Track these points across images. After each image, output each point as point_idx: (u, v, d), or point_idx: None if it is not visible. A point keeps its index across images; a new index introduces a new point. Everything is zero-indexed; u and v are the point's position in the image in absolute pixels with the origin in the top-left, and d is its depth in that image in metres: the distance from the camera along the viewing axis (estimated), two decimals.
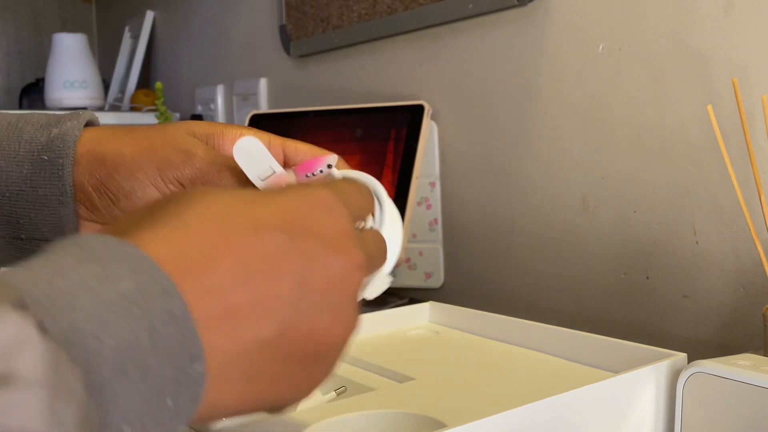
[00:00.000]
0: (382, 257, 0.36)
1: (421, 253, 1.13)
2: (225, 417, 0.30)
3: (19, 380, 0.21)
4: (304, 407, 0.54)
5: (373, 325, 0.75)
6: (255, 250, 0.29)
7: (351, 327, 0.32)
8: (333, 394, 0.58)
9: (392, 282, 0.41)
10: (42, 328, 0.23)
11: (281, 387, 0.30)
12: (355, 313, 0.32)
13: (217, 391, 0.28)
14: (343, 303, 0.31)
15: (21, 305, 0.23)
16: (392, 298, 1.10)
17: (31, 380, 0.21)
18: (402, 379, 0.61)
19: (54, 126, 0.42)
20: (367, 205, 0.37)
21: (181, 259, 0.28)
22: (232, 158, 0.42)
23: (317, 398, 0.56)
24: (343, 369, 0.65)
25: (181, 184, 0.41)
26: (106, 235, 0.27)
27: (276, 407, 0.32)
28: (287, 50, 1.42)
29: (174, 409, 0.26)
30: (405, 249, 1.06)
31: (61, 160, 0.40)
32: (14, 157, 0.41)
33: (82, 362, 0.23)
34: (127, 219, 0.30)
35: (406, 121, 1.10)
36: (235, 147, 0.40)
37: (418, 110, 1.09)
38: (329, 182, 0.35)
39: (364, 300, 0.36)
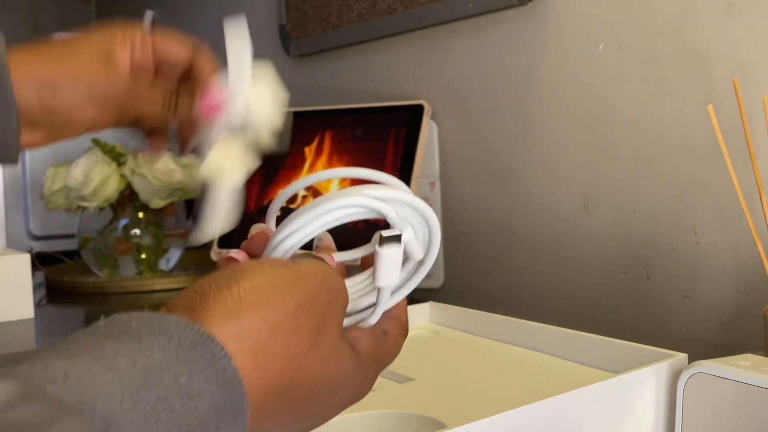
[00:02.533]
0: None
1: None
2: None
3: None
4: None
5: None
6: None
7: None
8: None
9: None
10: None
11: None
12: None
13: None
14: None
15: None
16: None
17: None
18: (402, 379, 0.61)
19: None
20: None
21: (268, 390, 0.30)
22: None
23: None
24: None
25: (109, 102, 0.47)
26: (198, 325, 0.28)
27: None
28: (287, 50, 1.42)
29: None
30: None
31: None
32: None
33: None
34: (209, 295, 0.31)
35: (406, 121, 1.10)
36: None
37: (418, 110, 1.09)
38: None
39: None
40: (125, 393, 0.25)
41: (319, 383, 0.32)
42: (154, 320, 0.28)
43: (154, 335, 0.27)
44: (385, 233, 0.36)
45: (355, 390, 0.36)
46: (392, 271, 0.36)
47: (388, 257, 0.35)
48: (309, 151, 1.17)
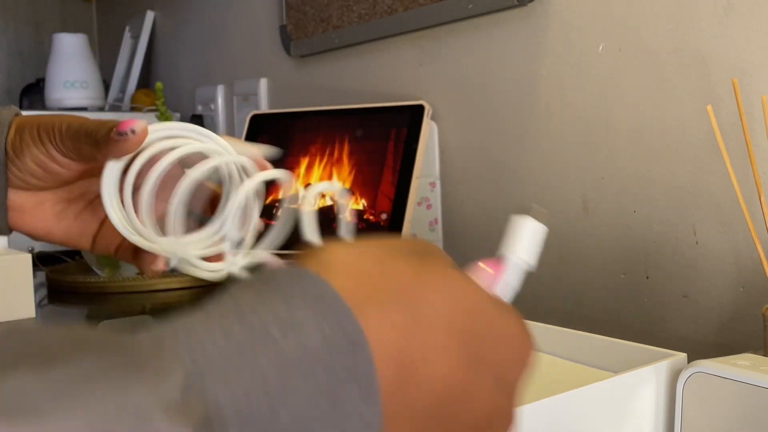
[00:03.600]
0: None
1: None
2: None
3: None
4: None
5: None
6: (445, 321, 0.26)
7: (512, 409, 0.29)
8: None
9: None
10: (205, 423, 0.20)
11: None
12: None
13: None
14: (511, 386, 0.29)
15: (183, 393, 0.20)
16: None
17: None
18: None
19: None
20: None
21: (374, 296, 0.24)
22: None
23: None
24: None
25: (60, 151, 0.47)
26: (296, 266, 0.25)
27: None
28: (287, 50, 1.42)
29: None
30: None
31: None
32: None
33: None
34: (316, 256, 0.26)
35: (406, 121, 1.10)
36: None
37: (418, 110, 1.09)
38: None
39: None
40: (215, 328, 0.21)
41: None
42: (257, 277, 0.25)
43: (251, 282, 0.24)
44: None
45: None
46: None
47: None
48: (309, 152, 1.17)
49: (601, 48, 0.89)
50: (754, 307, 0.75)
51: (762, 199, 0.67)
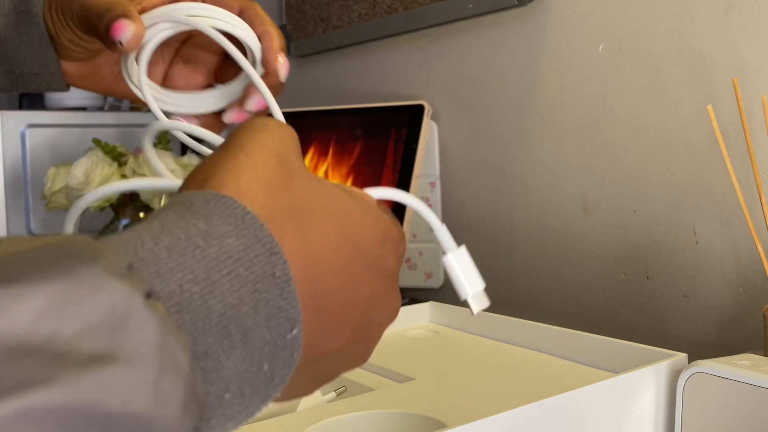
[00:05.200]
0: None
1: (421, 253, 1.13)
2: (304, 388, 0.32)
3: (124, 357, 0.20)
4: (305, 407, 0.54)
5: None
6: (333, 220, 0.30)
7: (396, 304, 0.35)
8: (333, 394, 0.58)
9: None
10: (149, 295, 0.22)
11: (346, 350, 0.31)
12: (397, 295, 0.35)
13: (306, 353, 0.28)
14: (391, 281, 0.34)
15: (127, 270, 0.22)
16: None
17: (136, 357, 0.21)
18: (402, 379, 0.61)
19: None
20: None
21: (278, 215, 0.28)
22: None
23: (317, 398, 0.56)
24: None
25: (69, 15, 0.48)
26: (206, 189, 0.27)
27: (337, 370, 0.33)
28: (287, 50, 1.42)
29: (270, 373, 0.26)
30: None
31: (35, 9, 0.48)
32: (1, 10, 0.49)
33: (189, 328, 0.23)
34: (208, 166, 0.29)
35: (406, 121, 1.10)
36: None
37: (418, 110, 1.09)
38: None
39: None
40: (145, 238, 0.24)
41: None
42: (173, 202, 0.27)
43: (169, 208, 0.27)
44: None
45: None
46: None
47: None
48: (309, 151, 1.17)
49: (601, 48, 0.89)
50: (755, 307, 0.75)
51: (762, 198, 0.67)
